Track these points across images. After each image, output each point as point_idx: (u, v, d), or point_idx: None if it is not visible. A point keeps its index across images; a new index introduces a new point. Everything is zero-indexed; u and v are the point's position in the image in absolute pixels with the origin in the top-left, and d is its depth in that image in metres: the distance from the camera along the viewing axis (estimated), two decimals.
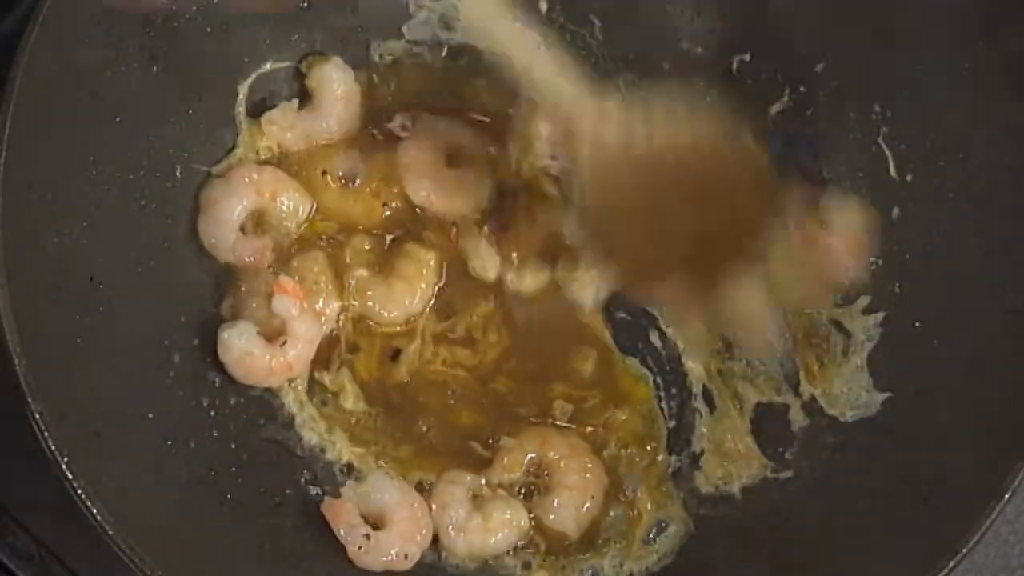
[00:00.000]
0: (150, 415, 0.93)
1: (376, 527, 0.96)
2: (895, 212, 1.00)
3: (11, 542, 1.00)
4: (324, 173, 1.05)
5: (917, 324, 0.98)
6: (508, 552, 1.00)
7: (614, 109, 0.91)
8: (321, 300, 1.02)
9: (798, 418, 1.03)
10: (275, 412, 1.02)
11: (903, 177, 1.00)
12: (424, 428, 1.02)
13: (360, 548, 0.95)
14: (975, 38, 0.94)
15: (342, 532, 0.94)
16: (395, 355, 1.04)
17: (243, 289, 1.01)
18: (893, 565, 0.88)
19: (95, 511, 0.83)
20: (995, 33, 0.93)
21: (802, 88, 1.05)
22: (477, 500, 0.99)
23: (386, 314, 1.03)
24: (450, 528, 0.98)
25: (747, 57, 1.06)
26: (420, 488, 1.01)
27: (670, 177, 0.91)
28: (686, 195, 0.91)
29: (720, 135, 0.93)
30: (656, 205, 0.91)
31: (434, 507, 0.99)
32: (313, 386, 1.03)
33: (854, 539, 0.94)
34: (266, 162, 1.05)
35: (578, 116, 0.90)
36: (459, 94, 1.06)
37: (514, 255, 1.05)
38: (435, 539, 0.99)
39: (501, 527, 0.99)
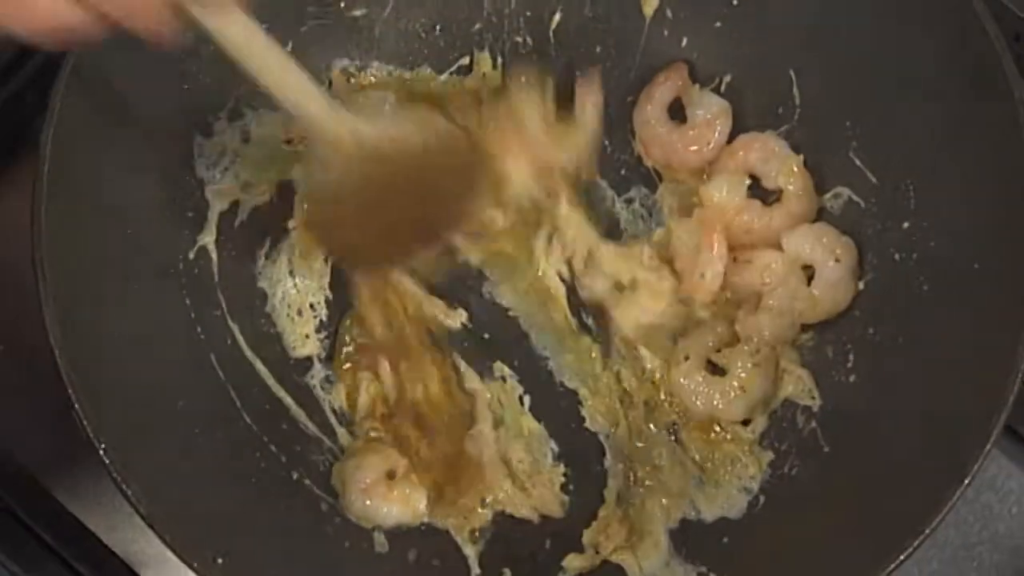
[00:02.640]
0: (181, 404, 0.95)
1: None
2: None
3: (53, 522, 1.03)
4: None
5: (885, 326, 0.99)
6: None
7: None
8: None
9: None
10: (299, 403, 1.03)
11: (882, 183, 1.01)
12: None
13: None
14: (941, 62, 0.95)
15: None
16: None
17: None
18: (864, 545, 0.89)
19: (130, 493, 0.85)
20: (959, 56, 0.94)
21: (780, 110, 1.06)
22: (390, 472, 1.00)
23: None
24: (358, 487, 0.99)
25: (728, 78, 1.07)
26: None
27: (392, 170, 0.91)
28: (406, 185, 0.93)
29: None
30: (379, 197, 0.92)
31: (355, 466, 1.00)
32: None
33: (827, 523, 0.95)
34: None
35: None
36: None
37: None
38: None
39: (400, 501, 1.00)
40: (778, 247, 1.02)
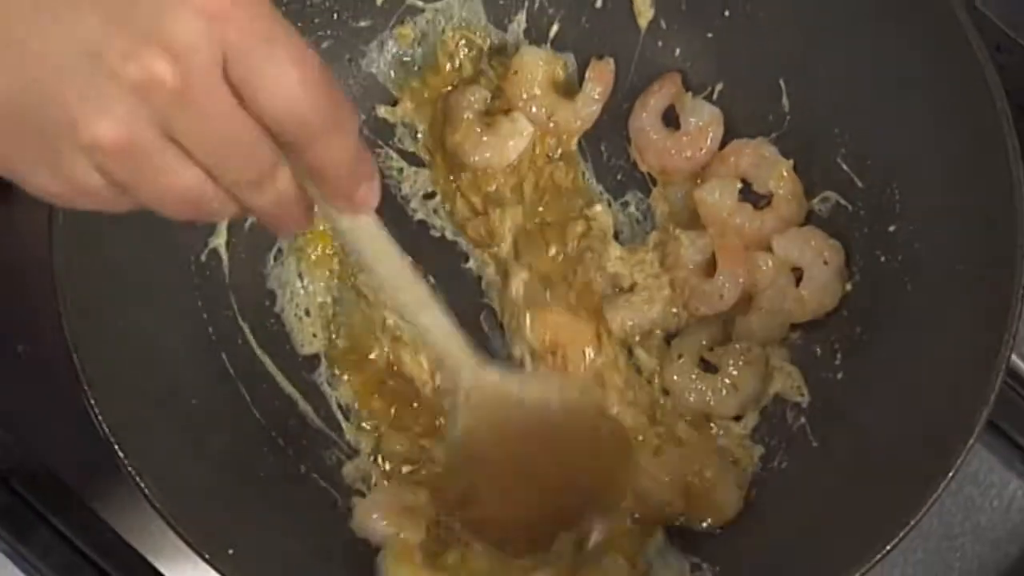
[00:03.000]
0: (193, 401, 0.96)
1: None
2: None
3: (74, 517, 1.04)
4: None
5: (872, 325, 1.01)
6: None
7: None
8: None
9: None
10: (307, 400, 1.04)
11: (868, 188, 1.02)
12: None
13: None
14: (926, 71, 0.97)
15: None
16: None
17: None
18: (852, 535, 0.89)
19: (144, 486, 0.86)
20: (943, 65, 0.95)
21: (771, 117, 1.07)
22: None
23: None
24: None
25: (720, 87, 1.09)
26: None
27: (537, 433, 0.87)
28: (550, 451, 0.88)
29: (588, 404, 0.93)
30: (519, 459, 0.87)
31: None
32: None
33: (816, 514, 0.96)
34: None
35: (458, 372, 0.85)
36: None
37: None
38: None
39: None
40: (768, 249, 1.04)
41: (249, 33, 0.60)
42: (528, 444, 0.87)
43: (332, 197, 0.68)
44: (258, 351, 1.03)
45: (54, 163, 0.60)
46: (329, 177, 0.66)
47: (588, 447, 0.91)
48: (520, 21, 1.11)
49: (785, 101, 1.06)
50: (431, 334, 0.83)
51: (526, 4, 1.11)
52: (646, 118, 1.08)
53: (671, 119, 1.09)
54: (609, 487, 0.94)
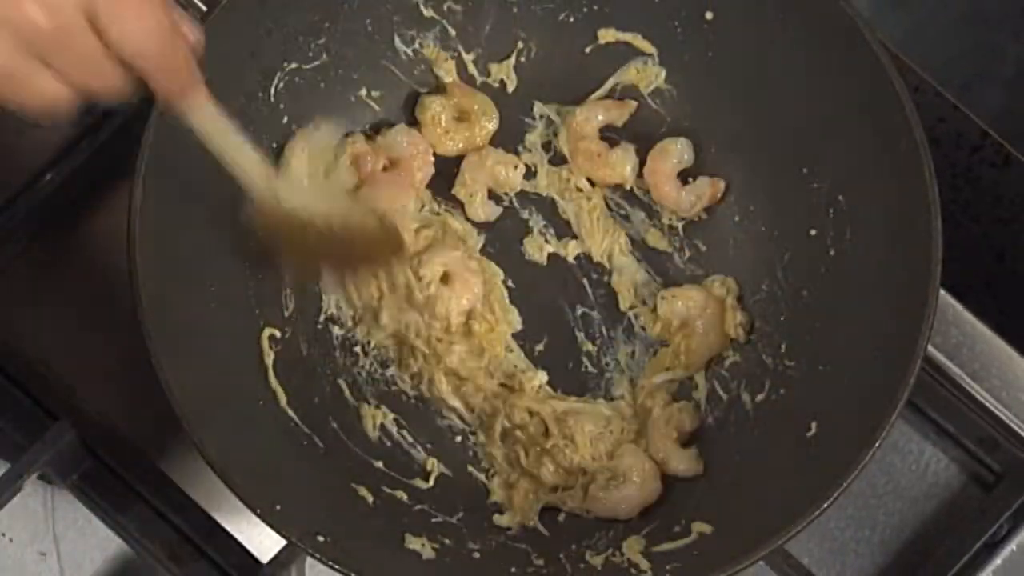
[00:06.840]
0: (245, 380, 1.02)
1: None
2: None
3: (149, 480, 1.09)
4: None
5: (816, 322, 1.06)
6: None
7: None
8: None
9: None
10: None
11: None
12: None
13: None
14: (856, 111, 1.02)
15: None
16: None
17: None
18: (795, 495, 0.94)
19: (207, 454, 0.91)
20: (869, 109, 1.01)
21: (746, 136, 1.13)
22: None
23: None
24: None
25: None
26: None
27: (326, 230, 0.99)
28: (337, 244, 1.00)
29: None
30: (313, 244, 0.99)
31: None
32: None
33: (765, 478, 1.00)
34: None
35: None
36: None
37: None
38: None
39: None
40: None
41: None
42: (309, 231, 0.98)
43: (168, 97, 0.82)
44: (303, 347, 1.09)
45: None
46: (163, 84, 0.80)
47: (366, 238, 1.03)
48: None
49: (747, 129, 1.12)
50: (249, 176, 0.93)
51: None
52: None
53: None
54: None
